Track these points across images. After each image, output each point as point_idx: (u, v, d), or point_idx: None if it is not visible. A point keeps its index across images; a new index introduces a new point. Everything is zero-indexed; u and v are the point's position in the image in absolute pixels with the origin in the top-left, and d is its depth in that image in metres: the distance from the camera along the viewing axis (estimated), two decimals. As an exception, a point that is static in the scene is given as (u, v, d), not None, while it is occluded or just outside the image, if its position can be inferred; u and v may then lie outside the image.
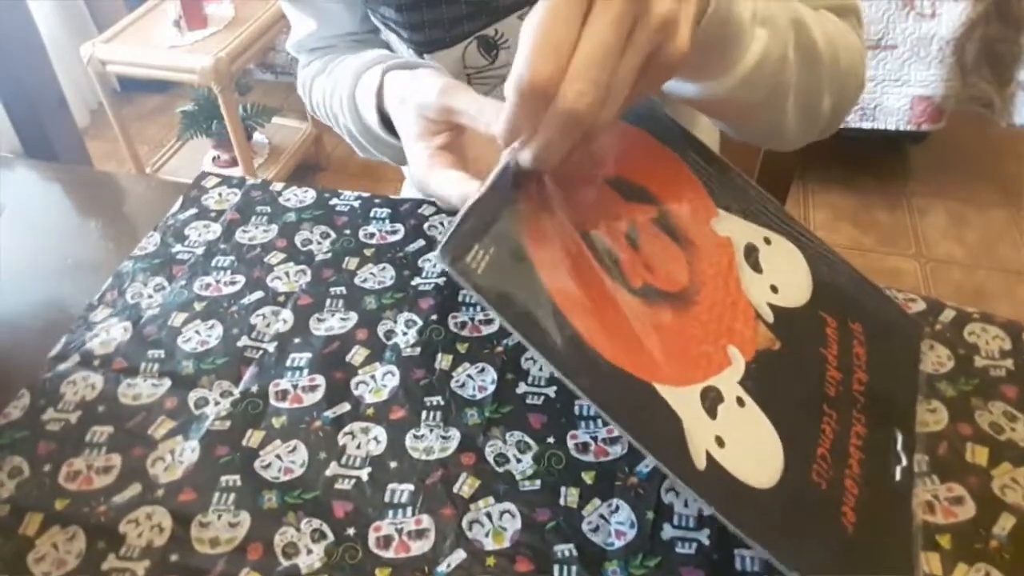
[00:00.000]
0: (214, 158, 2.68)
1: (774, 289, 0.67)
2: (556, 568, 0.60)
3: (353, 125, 0.82)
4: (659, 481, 0.65)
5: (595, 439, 0.68)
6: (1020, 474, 0.66)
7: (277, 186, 0.96)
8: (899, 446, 0.64)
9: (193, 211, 0.92)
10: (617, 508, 0.64)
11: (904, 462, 0.63)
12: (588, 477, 0.66)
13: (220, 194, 0.95)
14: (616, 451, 0.68)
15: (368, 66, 0.79)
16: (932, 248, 2.51)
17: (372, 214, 0.91)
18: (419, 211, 0.91)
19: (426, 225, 0.89)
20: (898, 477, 0.62)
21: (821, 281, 0.70)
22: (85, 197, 1.02)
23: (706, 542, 0.62)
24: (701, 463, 0.54)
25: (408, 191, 1.20)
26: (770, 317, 0.65)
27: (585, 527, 0.63)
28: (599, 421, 0.70)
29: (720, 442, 0.55)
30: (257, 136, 2.73)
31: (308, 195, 0.94)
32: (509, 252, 0.55)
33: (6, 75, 2.05)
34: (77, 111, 2.73)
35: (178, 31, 2.40)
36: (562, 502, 0.64)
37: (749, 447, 0.57)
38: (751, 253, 0.68)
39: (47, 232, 0.94)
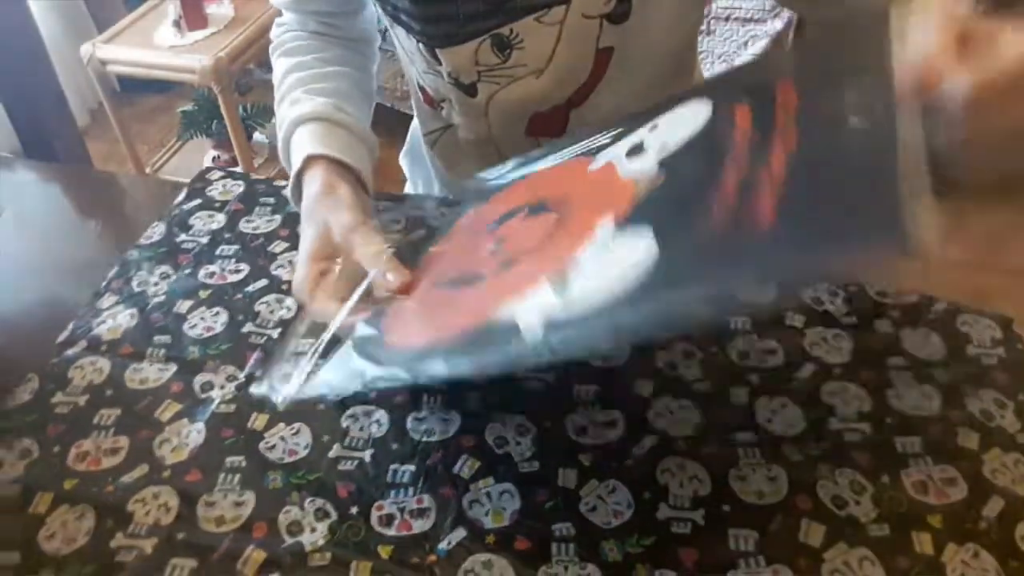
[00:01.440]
0: (214, 158, 2.69)
1: (663, 148, 0.65)
2: (554, 546, 0.62)
3: (281, 152, 0.87)
4: (655, 462, 0.67)
5: (593, 422, 0.70)
6: (1010, 459, 0.67)
7: (280, 182, 0.97)
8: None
9: (197, 201, 0.94)
10: (614, 489, 0.65)
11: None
12: (586, 459, 0.67)
13: (224, 185, 0.96)
14: (613, 436, 0.69)
15: (315, 119, 0.85)
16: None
17: (376, 206, 0.92)
18: (423, 204, 0.92)
19: (430, 217, 0.90)
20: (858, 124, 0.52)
21: (732, 85, 0.69)
22: (85, 197, 1.03)
23: (701, 521, 0.63)
24: (530, 337, 0.55)
25: (409, 191, 1.21)
26: (656, 170, 0.63)
27: (583, 507, 0.64)
28: (597, 405, 0.71)
29: (568, 305, 0.55)
30: (257, 136, 2.74)
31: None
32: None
33: (6, 75, 2.06)
34: (77, 111, 2.74)
35: (178, 31, 2.41)
36: (560, 483, 0.66)
37: (606, 269, 0.56)
38: (636, 148, 0.68)
39: (47, 232, 0.95)
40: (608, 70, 0.85)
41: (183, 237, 0.89)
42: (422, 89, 0.96)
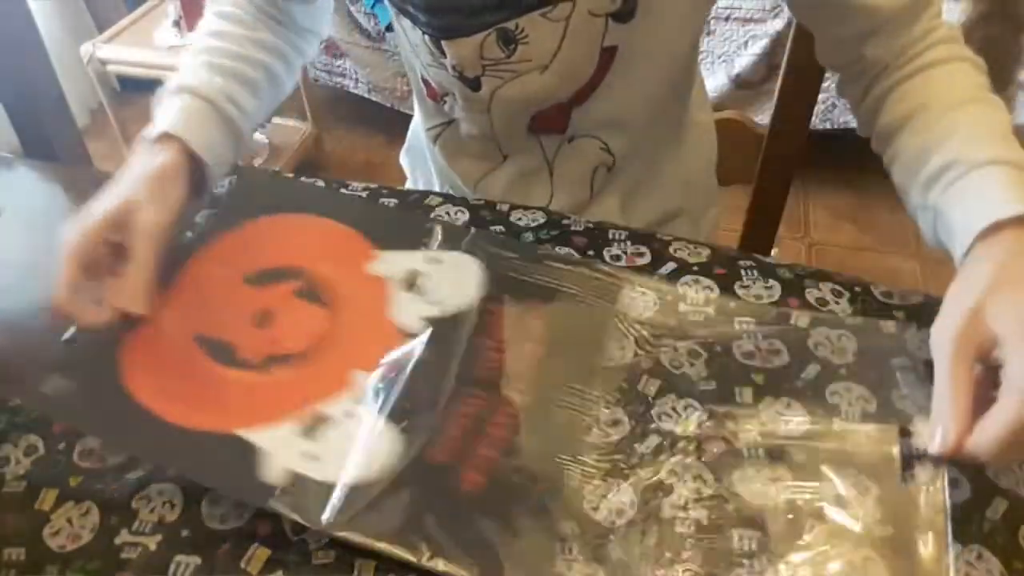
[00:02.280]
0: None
1: (434, 303, 0.76)
2: (558, 546, 0.62)
3: (155, 99, 0.89)
4: (659, 464, 0.67)
5: (597, 421, 0.70)
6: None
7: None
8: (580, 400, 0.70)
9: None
10: (618, 489, 0.65)
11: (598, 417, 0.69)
12: (590, 458, 0.67)
13: (230, 182, 0.96)
14: (616, 434, 0.69)
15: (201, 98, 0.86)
16: (932, 248, 2.51)
17: (380, 203, 0.92)
18: (426, 201, 0.92)
19: (432, 214, 0.90)
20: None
21: (502, 278, 0.78)
22: (85, 197, 1.02)
23: (704, 521, 0.63)
24: (278, 479, 0.63)
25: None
26: (421, 329, 0.74)
27: (586, 506, 0.64)
28: (602, 403, 0.71)
29: (312, 457, 0.65)
30: (257, 136, 2.74)
31: (317, 185, 0.95)
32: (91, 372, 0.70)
33: (6, 75, 2.05)
34: (77, 111, 2.74)
35: (178, 31, 2.41)
36: (564, 481, 0.66)
37: (352, 455, 0.65)
38: (412, 278, 0.78)
39: (47, 232, 0.94)
40: (611, 69, 0.85)
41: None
42: (426, 83, 0.96)
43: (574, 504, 0.64)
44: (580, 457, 0.67)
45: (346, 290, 0.77)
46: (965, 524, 0.63)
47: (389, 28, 2.68)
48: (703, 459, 0.67)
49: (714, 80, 2.60)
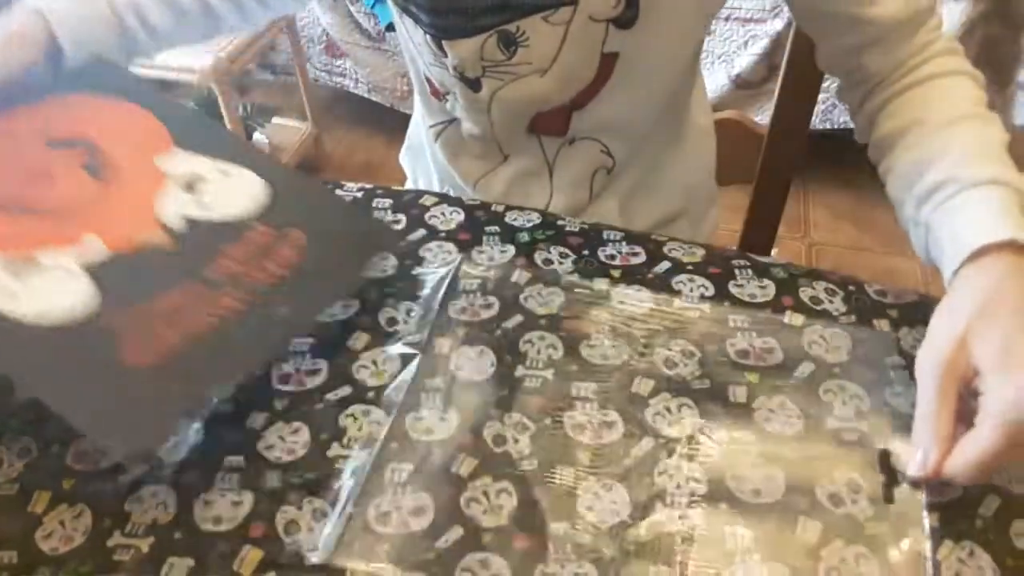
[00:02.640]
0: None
1: (203, 206, 0.77)
2: (551, 545, 0.62)
3: None
4: (653, 464, 0.67)
5: (591, 422, 0.70)
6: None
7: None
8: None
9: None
10: (612, 488, 0.65)
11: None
12: (584, 457, 0.67)
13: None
14: (612, 435, 0.69)
15: None
16: (925, 264, 2.51)
17: (374, 204, 0.92)
18: (420, 201, 0.92)
19: (427, 215, 0.90)
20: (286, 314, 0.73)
21: (275, 203, 0.80)
22: None
23: (697, 520, 0.63)
24: None
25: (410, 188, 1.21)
26: (177, 224, 0.75)
27: (580, 506, 0.64)
28: (595, 404, 0.71)
29: (11, 294, 0.67)
30: (257, 136, 2.74)
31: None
32: None
33: (7, 74, 2.06)
34: (78, 111, 2.74)
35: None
36: (558, 481, 0.66)
37: (46, 297, 0.67)
38: (194, 180, 0.79)
39: None
40: (613, 75, 0.85)
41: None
42: (428, 81, 0.96)
43: (567, 504, 0.64)
44: (573, 458, 0.67)
45: (126, 174, 0.79)
46: (957, 521, 0.63)
47: (389, 28, 2.68)
48: (697, 459, 0.67)
49: (714, 80, 2.60)
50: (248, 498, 0.65)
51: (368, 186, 0.95)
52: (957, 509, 0.64)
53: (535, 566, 0.61)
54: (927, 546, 0.62)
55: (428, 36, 0.86)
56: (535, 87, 0.87)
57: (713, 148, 1.16)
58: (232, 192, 0.79)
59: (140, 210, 0.76)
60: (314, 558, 0.61)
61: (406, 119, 1.20)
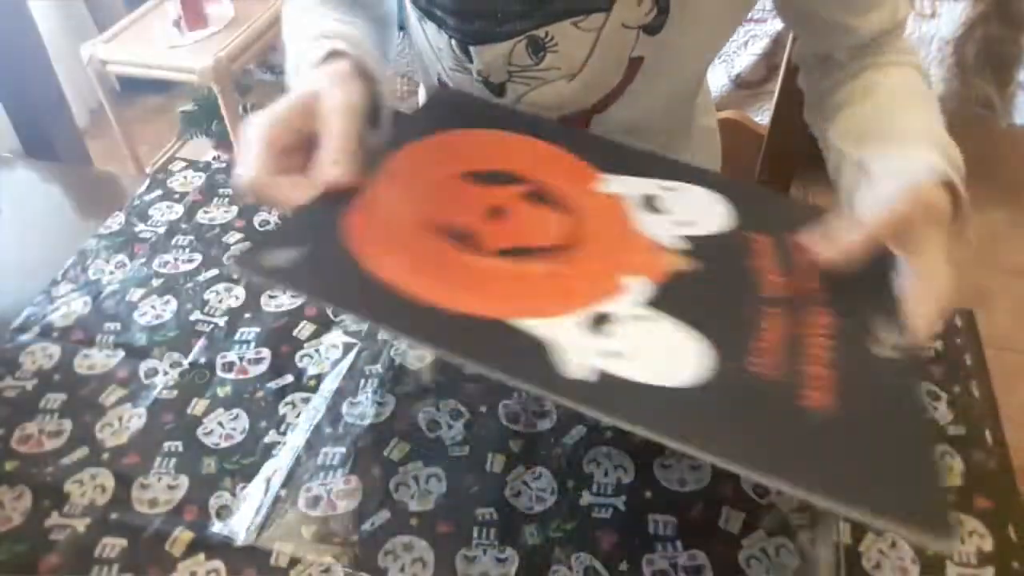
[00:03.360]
0: (214, 158, 2.71)
1: (684, 223, 0.67)
2: (475, 530, 0.63)
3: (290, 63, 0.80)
4: (583, 452, 0.68)
5: (525, 411, 0.71)
6: (937, 451, 0.68)
7: (241, 171, 0.99)
8: (883, 327, 0.61)
9: (158, 192, 0.96)
10: (540, 475, 0.66)
11: (899, 340, 0.60)
12: (516, 446, 0.68)
13: (186, 176, 0.98)
14: (544, 424, 0.70)
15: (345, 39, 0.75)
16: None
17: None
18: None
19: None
20: (893, 355, 0.59)
21: (742, 208, 0.70)
22: (85, 197, 1.05)
23: (622, 507, 0.64)
24: (580, 373, 0.52)
25: None
26: (683, 244, 0.65)
27: (507, 492, 0.65)
28: (531, 394, 0.72)
29: (616, 355, 0.54)
30: (257, 135, 2.75)
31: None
32: (323, 246, 0.57)
33: (6, 75, 2.08)
34: (77, 111, 2.76)
35: (178, 31, 2.43)
36: (488, 468, 0.67)
37: (658, 358, 0.55)
38: (650, 200, 0.69)
39: (47, 232, 0.96)
40: (636, 79, 0.86)
41: (141, 227, 0.91)
42: (444, 86, 0.96)
43: (495, 491, 0.65)
44: (504, 446, 0.68)
45: (581, 201, 0.67)
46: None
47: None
48: (626, 448, 0.68)
49: (714, 80, 2.60)
50: (184, 482, 0.67)
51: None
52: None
53: (457, 550, 0.62)
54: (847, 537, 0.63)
55: (453, 41, 0.85)
56: (561, 92, 0.87)
57: (718, 148, 1.17)
58: (697, 205, 0.70)
59: (632, 236, 0.65)
60: (241, 539, 0.62)
61: (405, 119, 1.20)
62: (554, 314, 0.56)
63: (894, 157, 0.72)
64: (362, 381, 0.73)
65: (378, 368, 0.74)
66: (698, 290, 0.61)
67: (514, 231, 0.63)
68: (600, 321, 0.56)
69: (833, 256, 0.62)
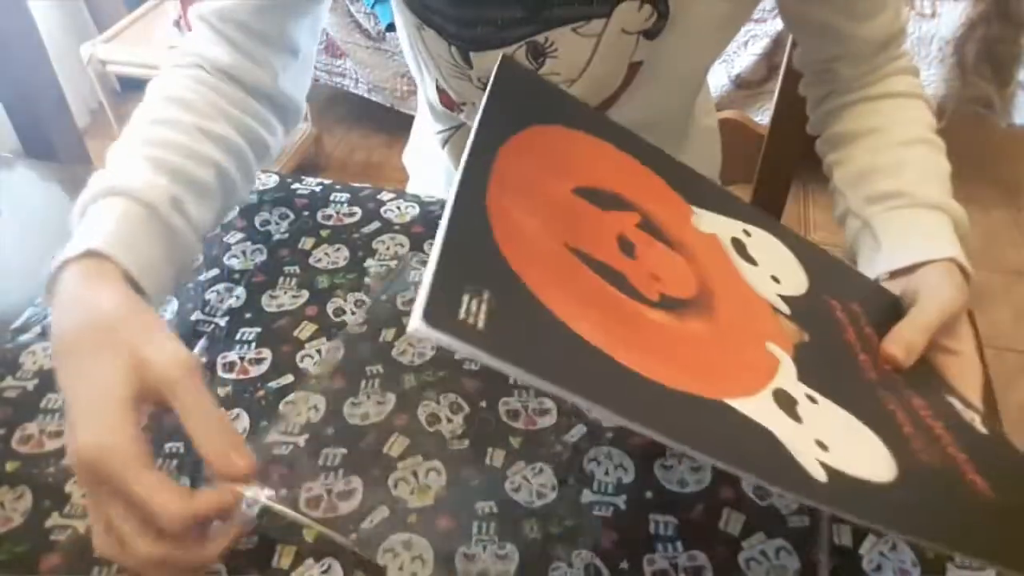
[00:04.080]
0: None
1: (775, 279, 0.63)
2: (475, 525, 0.63)
3: (79, 205, 0.70)
4: (583, 450, 0.68)
5: (526, 408, 0.71)
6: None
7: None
8: (959, 405, 0.62)
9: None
10: (541, 471, 0.66)
11: (975, 416, 0.61)
12: (516, 442, 0.68)
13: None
14: (545, 422, 0.70)
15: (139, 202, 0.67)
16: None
17: (332, 198, 0.94)
18: (378, 196, 0.94)
19: (383, 209, 0.92)
20: (984, 430, 0.60)
21: (809, 265, 0.67)
22: None
23: (622, 506, 0.64)
24: (820, 475, 0.46)
25: (412, 191, 1.21)
26: (786, 308, 0.61)
27: (508, 487, 0.65)
28: (531, 392, 0.72)
29: (822, 446, 0.49)
30: (257, 135, 2.76)
31: (271, 179, 0.97)
32: (505, 290, 0.45)
33: (6, 75, 2.07)
34: (77, 111, 2.76)
35: (178, 31, 2.44)
36: (488, 462, 0.67)
37: (850, 444, 0.51)
38: (739, 247, 0.64)
39: (47, 232, 0.96)
40: (634, 82, 0.86)
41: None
42: (442, 92, 0.96)
43: (495, 484, 0.65)
44: (505, 441, 0.68)
45: (686, 239, 0.61)
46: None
47: (389, 28, 2.69)
48: (626, 448, 0.68)
49: (714, 80, 2.60)
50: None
51: (327, 181, 0.97)
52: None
53: (457, 547, 0.62)
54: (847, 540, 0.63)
55: (453, 48, 0.86)
56: None
57: (718, 148, 1.17)
58: (775, 256, 0.66)
59: (744, 289, 0.60)
60: (242, 543, 0.62)
61: (406, 119, 1.21)
62: (747, 392, 0.51)
63: (903, 230, 0.76)
64: (363, 382, 0.73)
65: (379, 368, 0.74)
66: (822, 368, 0.57)
67: (651, 275, 0.56)
68: (786, 403, 0.52)
69: (904, 357, 0.63)
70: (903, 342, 0.63)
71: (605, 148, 0.66)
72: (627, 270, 0.54)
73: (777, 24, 2.46)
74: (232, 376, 0.74)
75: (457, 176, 0.50)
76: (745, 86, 2.59)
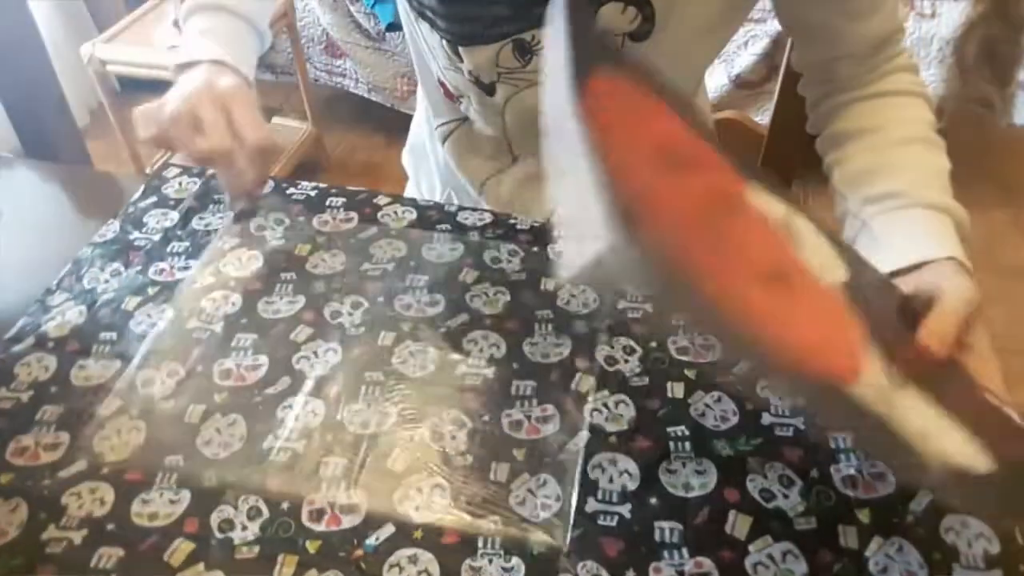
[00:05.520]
0: (213, 159, 2.70)
1: (825, 265, 0.63)
2: (480, 540, 0.62)
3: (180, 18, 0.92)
4: (587, 458, 0.67)
5: (529, 417, 0.70)
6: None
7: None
8: (994, 400, 0.63)
9: (153, 199, 0.95)
10: (545, 483, 0.65)
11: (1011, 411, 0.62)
12: (519, 454, 0.67)
13: (180, 183, 0.97)
14: (548, 429, 0.69)
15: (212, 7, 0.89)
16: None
17: (328, 203, 0.93)
18: (374, 201, 0.93)
19: (379, 214, 0.91)
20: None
21: (843, 255, 0.66)
22: (85, 197, 1.04)
23: (627, 515, 0.63)
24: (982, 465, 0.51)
25: (411, 192, 1.22)
26: (842, 290, 0.61)
27: (512, 501, 0.64)
28: (534, 401, 0.71)
29: (929, 436, 0.52)
30: (257, 136, 2.75)
31: (267, 184, 0.96)
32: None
33: (6, 75, 2.07)
34: (77, 111, 2.75)
35: (178, 31, 2.42)
36: (492, 477, 0.66)
37: (951, 432, 0.54)
38: (788, 228, 0.62)
39: (47, 232, 0.95)
40: None
41: (136, 235, 0.90)
42: (442, 83, 0.97)
43: (500, 498, 0.64)
44: (509, 454, 0.67)
45: (753, 212, 0.61)
46: (887, 517, 0.63)
47: (390, 28, 2.68)
48: (630, 454, 0.67)
49: (714, 80, 2.59)
50: (186, 496, 0.66)
51: (323, 186, 0.96)
52: (889, 505, 0.64)
53: (463, 561, 0.61)
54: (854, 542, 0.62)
55: (444, 41, 0.87)
56: None
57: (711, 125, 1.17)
58: (816, 241, 0.65)
59: (810, 272, 0.60)
60: (244, 552, 0.61)
61: (406, 119, 1.20)
62: (860, 372, 0.53)
63: (904, 230, 0.75)
64: (363, 388, 0.72)
65: (379, 376, 0.73)
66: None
67: (743, 241, 0.56)
68: (887, 390, 0.54)
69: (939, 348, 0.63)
70: (937, 333, 0.63)
71: (671, 114, 0.65)
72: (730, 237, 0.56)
73: (777, 24, 2.45)
74: (229, 383, 0.73)
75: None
76: (745, 86, 2.58)
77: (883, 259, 0.73)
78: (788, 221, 0.62)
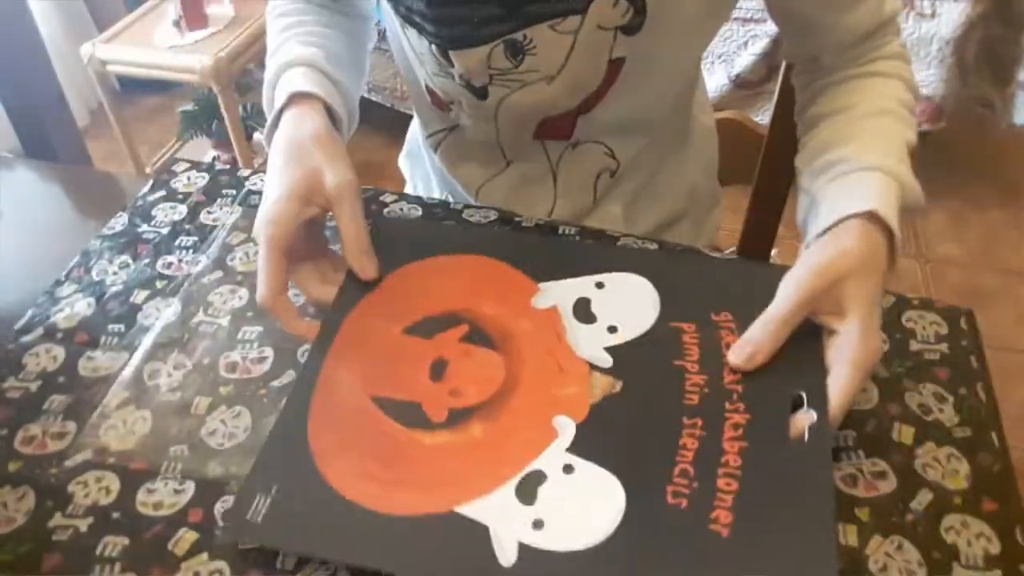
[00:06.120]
0: (214, 158, 2.71)
1: (612, 330, 0.72)
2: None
3: (265, 96, 0.88)
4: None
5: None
6: (942, 453, 0.68)
7: (244, 171, 0.99)
8: (804, 407, 0.65)
9: (161, 193, 0.96)
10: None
11: (816, 418, 0.64)
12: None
13: (189, 178, 0.98)
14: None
15: (306, 65, 0.85)
16: (932, 248, 2.52)
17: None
18: (381, 198, 0.93)
19: (386, 211, 0.91)
20: (807, 438, 0.63)
21: (674, 291, 0.75)
22: (85, 197, 1.05)
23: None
24: (509, 559, 0.57)
25: (410, 192, 1.22)
26: (608, 362, 0.69)
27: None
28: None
29: (538, 524, 0.59)
30: (257, 136, 2.75)
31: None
32: (294, 476, 0.63)
33: (6, 75, 2.08)
34: (77, 111, 2.76)
35: (178, 31, 2.43)
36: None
37: (577, 511, 0.60)
38: (581, 306, 0.74)
39: (47, 232, 0.96)
40: (619, 79, 0.86)
41: (144, 228, 0.91)
42: (430, 91, 0.96)
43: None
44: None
45: (517, 328, 0.73)
46: (887, 516, 0.64)
47: (390, 29, 2.69)
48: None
49: (714, 80, 2.60)
50: (190, 487, 0.66)
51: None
52: (889, 503, 0.64)
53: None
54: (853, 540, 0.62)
55: (433, 46, 0.86)
56: (542, 94, 0.87)
57: (715, 148, 1.17)
58: (627, 301, 0.75)
59: (563, 363, 0.69)
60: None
61: (406, 119, 1.20)
62: (492, 488, 0.61)
63: (837, 193, 0.75)
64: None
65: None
66: (620, 419, 0.65)
67: (455, 388, 0.68)
68: (530, 484, 0.61)
69: (745, 365, 0.67)
70: (748, 346, 0.67)
71: (466, 263, 0.79)
72: (425, 398, 0.68)
73: (778, 24, 2.46)
74: (235, 376, 0.74)
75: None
76: (745, 86, 2.60)
77: (812, 229, 0.75)
78: (587, 297, 0.74)
